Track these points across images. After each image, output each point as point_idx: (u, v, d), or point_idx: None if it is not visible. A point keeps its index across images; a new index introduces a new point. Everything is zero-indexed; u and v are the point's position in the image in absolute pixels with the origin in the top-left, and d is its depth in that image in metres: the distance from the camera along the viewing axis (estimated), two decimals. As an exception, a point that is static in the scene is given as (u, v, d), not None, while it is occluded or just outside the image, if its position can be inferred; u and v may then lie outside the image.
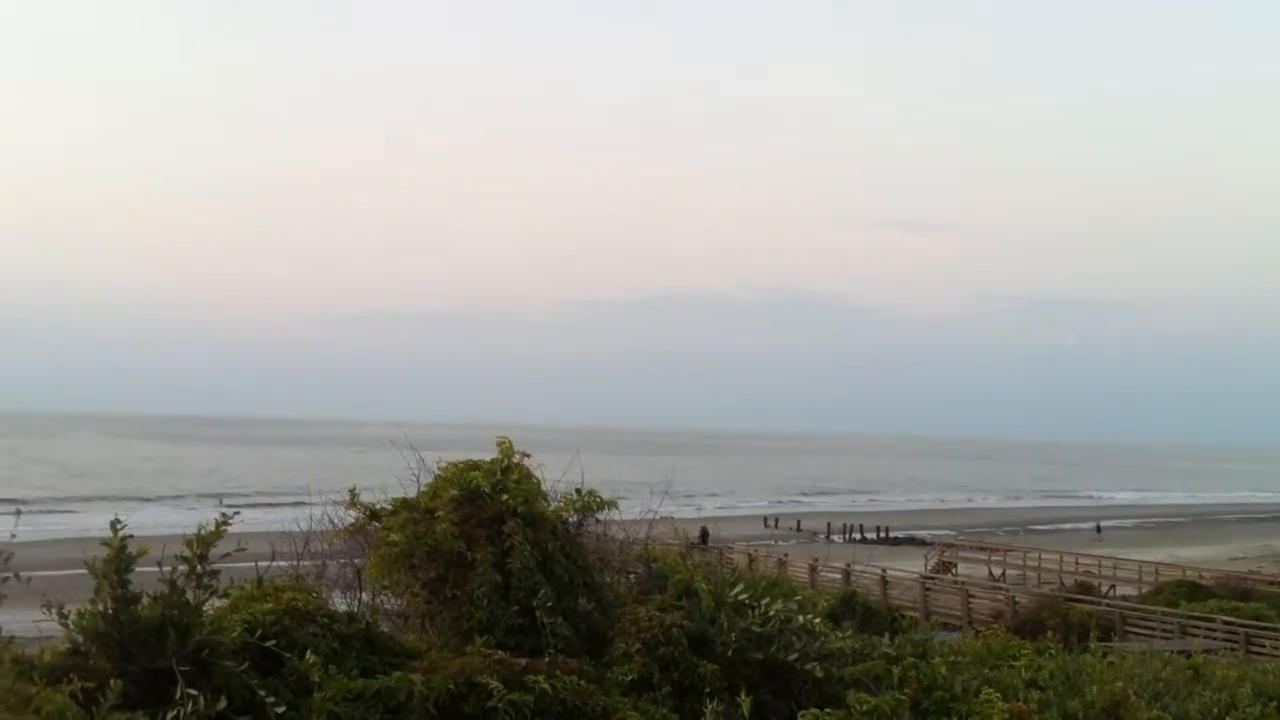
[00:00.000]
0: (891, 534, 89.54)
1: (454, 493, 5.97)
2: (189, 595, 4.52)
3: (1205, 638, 32.83)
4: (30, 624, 4.98)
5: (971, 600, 45.47)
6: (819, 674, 5.32)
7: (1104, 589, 54.31)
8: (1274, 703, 6.38)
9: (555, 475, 6.89)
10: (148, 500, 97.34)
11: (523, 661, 4.91)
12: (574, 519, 6.39)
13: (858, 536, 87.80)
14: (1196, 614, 38.88)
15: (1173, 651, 9.04)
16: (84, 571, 4.54)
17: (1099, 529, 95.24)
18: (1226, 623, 37.13)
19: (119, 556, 4.44)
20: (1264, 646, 33.64)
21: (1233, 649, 32.28)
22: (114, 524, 4.52)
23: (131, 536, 4.54)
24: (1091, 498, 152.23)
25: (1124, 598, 49.62)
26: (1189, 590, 47.31)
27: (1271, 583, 54.21)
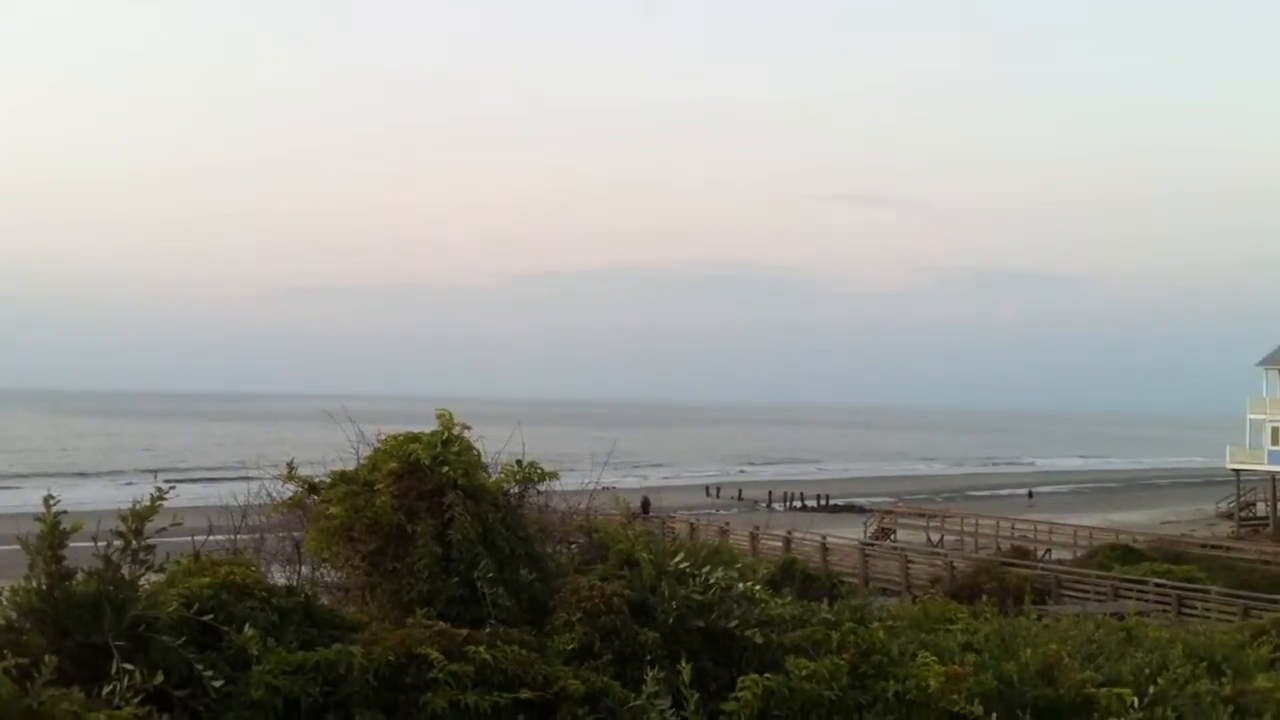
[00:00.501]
0: (832, 502, 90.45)
1: (393, 465, 5.93)
2: (124, 570, 4.47)
3: (1138, 600, 33.55)
4: (-38, 601, 4.92)
5: (910, 566, 46.13)
6: (759, 640, 5.36)
7: (1040, 553, 55.23)
8: (1204, 663, 6.52)
9: (496, 447, 6.88)
10: (83, 476, 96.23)
11: (464, 632, 4.91)
12: (515, 490, 6.37)
13: (799, 505, 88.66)
14: (1130, 577, 39.67)
15: (1106, 614, 9.21)
16: (17, 548, 4.47)
17: (1030, 495, 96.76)
18: (1159, 585, 37.93)
19: (52, 532, 4.38)
20: (1195, 608, 34.42)
21: (1165, 611, 32.99)
22: (47, 500, 4.45)
23: (65, 512, 4.48)
24: (1028, 464, 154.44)
25: (1059, 562, 50.53)
26: (1122, 554, 48.26)
27: (1203, 546, 55.39)
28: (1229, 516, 79.40)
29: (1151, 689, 5.06)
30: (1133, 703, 4.89)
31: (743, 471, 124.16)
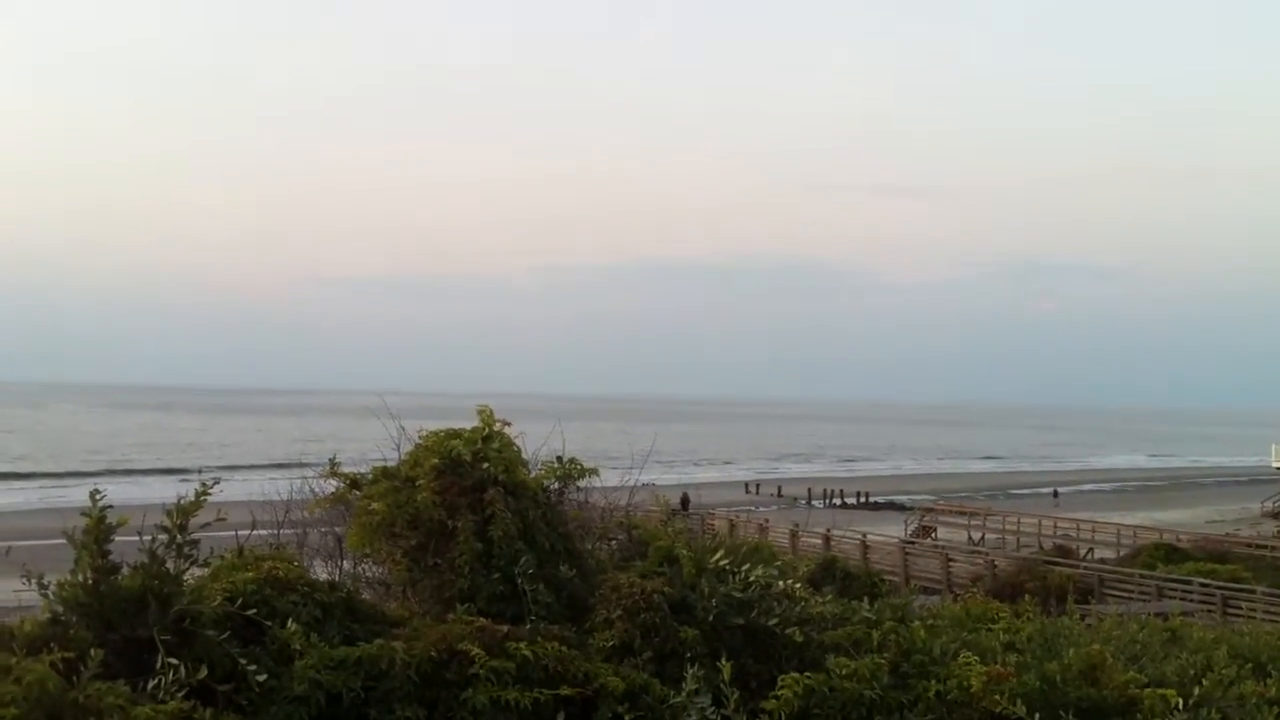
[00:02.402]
0: (872, 499, 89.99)
1: (435, 461, 5.95)
2: (169, 565, 4.50)
3: (1182, 600, 33.17)
4: (10, 594, 4.98)
5: (951, 564, 45.79)
6: (799, 639, 5.34)
7: (1082, 552, 54.73)
8: (1249, 665, 6.44)
9: (536, 444, 6.89)
10: (129, 470, 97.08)
11: (504, 629, 4.92)
12: (555, 487, 6.38)
13: (838, 502, 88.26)
14: (1174, 576, 39.23)
15: (1150, 614, 9.13)
16: (64, 542, 4.52)
17: (1056, 495, 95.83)
18: (1203, 585, 37.48)
19: (98, 527, 4.42)
20: (1240, 609, 34.03)
21: (1209, 611, 32.59)
22: (93, 494, 4.50)
23: (111, 507, 4.52)
24: (1074, 462, 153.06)
25: (1102, 561, 50.04)
26: (1166, 553, 47.72)
27: (1248, 545, 54.71)
28: (1275, 515, 78.40)
29: (1196, 690, 5.01)
30: (1177, 704, 4.84)
31: (779, 468, 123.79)
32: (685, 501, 50.51)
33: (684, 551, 5.89)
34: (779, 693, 4.80)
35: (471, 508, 5.71)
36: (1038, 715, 4.69)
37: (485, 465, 5.86)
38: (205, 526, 4.72)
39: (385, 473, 6.16)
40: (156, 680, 4.07)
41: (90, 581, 4.34)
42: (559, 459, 6.48)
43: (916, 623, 5.68)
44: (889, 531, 58.15)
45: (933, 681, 5.00)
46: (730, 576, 5.65)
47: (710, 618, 5.36)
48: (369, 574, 6.67)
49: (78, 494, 4.66)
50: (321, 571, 6.95)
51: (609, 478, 7.73)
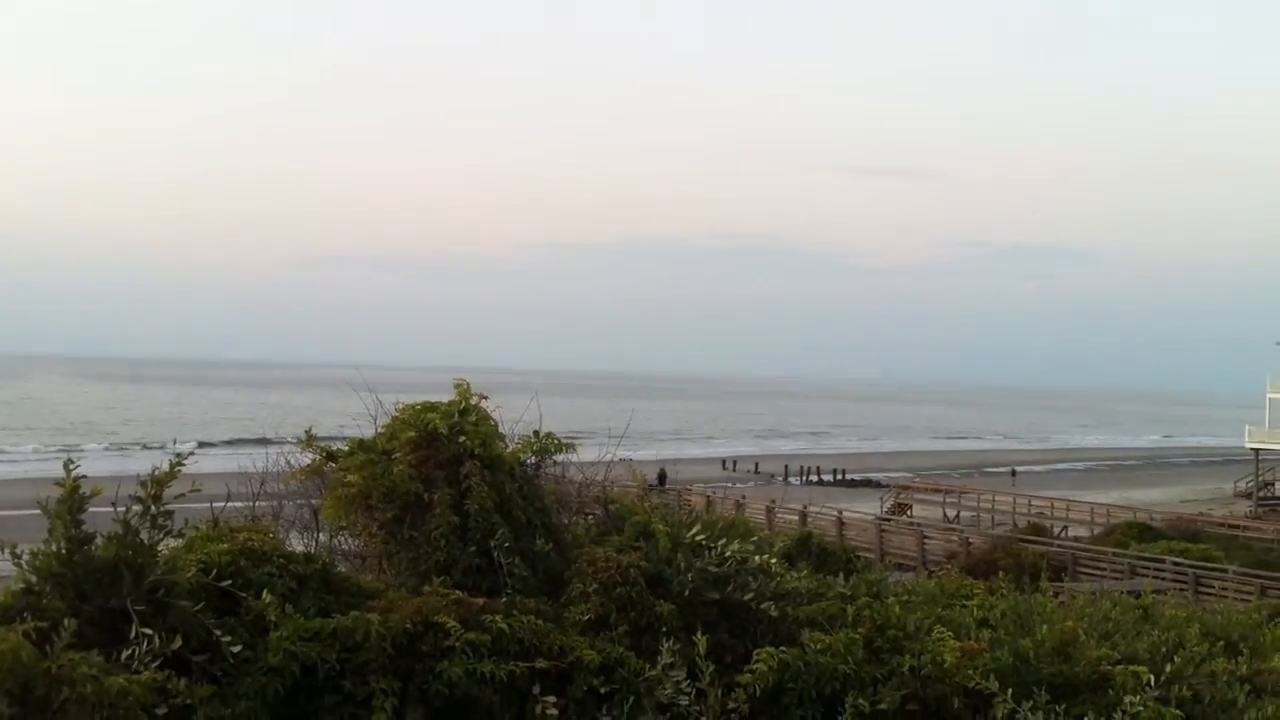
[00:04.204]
0: (848, 476, 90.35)
1: (411, 434, 5.93)
2: (143, 535, 4.48)
3: (1155, 578, 33.40)
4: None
5: (926, 541, 46.08)
6: (774, 613, 5.35)
7: (1056, 530, 55.10)
8: (1221, 642, 6.48)
9: (513, 418, 6.88)
10: (102, 442, 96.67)
11: (480, 601, 4.91)
12: (532, 461, 6.37)
13: (815, 479, 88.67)
14: (1146, 555, 39.56)
15: (1123, 592, 9.19)
16: (38, 512, 4.49)
17: (1014, 473, 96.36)
18: (1176, 564, 37.81)
19: (72, 497, 4.40)
20: (1212, 588, 34.34)
21: (1181, 590, 32.87)
22: (66, 464, 4.47)
23: (85, 477, 4.49)
24: (1046, 441, 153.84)
25: (1076, 539, 50.35)
26: (1139, 532, 48.11)
27: (1221, 525, 55.17)
28: (1247, 496, 79.06)
29: (1168, 667, 5.05)
30: (1149, 680, 4.87)
31: (757, 445, 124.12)
32: (662, 477, 50.72)
33: (660, 526, 5.89)
34: (754, 667, 4.81)
35: (448, 481, 5.70)
36: (1010, 690, 4.72)
37: (462, 439, 5.85)
38: (180, 498, 4.69)
39: (361, 445, 6.13)
40: (130, 650, 4.06)
41: (64, 551, 4.31)
42: (536, 433, 6.47)
43: (891, 598, 5.70)
44: (865, 508, 58.41)
45: (907, 656, 5.02)
46: (706, 551, 5.66)
47: (686, 592, 5.36)
48: (345, 546, 6.66)
49: (54, 465, 4.62)
50: (297, 543, 6.94)
51: (586, 452, 7.74)
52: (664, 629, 5.06)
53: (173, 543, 4.73)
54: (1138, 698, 4.68)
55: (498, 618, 4.74)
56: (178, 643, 4.11)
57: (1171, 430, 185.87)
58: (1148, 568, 37.21)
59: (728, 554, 5.61)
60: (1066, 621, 5.66)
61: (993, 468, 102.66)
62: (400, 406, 6.26)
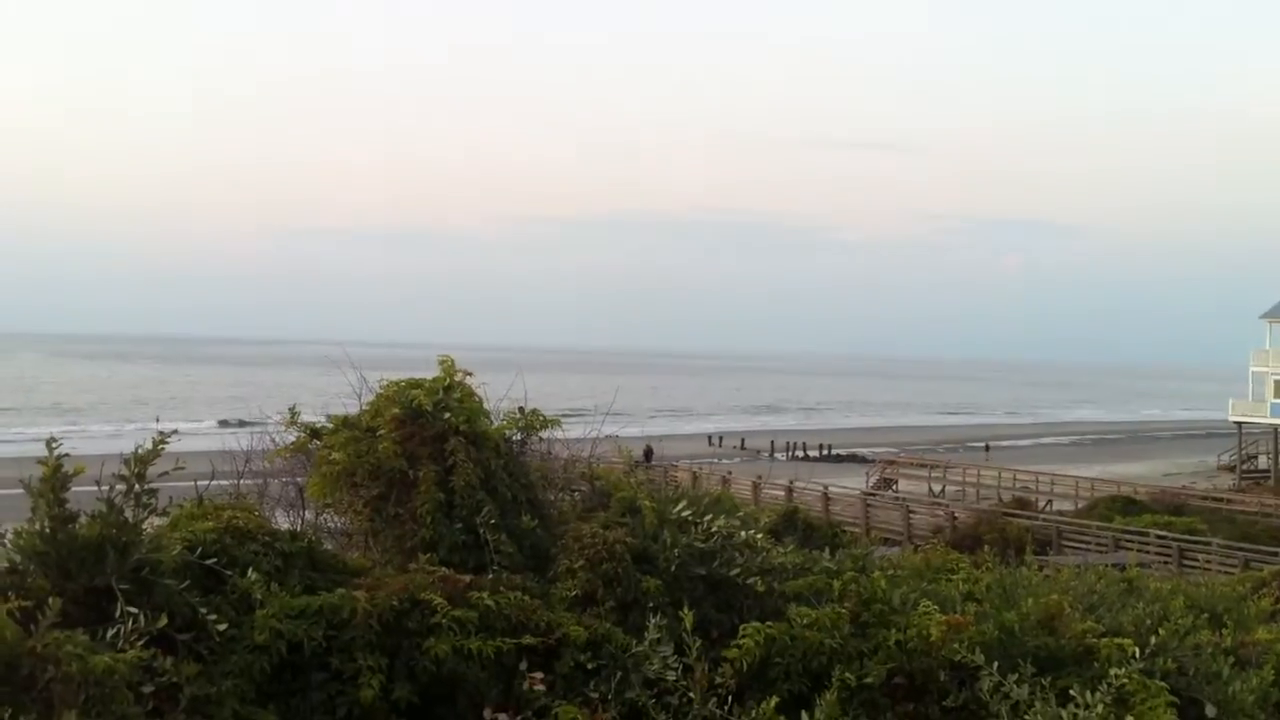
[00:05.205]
0: (834, 452, 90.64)
1: (396, 411, 5.91)
2: (128, 514, 4.45)
3: (1139, 552, 33.60)
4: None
5: (912, 516, 46.28)
6: (760, 588, 5.36)
7: (1041, 504, 55.38)
8: (1205, 615, 6.51)
9: (499, 394, 6.86)
10: (88, 420, 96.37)
11: (466, 579, 4.91)
12: (517, 437, 6.36)
13: (801, 454, 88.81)
14: (1131, 529, 39.80)
15: (1107, 565, 9.21)
16: (21, 491, 4.46)
17: (987, 448, 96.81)
18: (1160, 537, 38.09)
19: (55, 475, 4.37)
20: (1196, 560, 34.60)
21: (1166, 563, 33.13)
22: (49, 442, 4.44)
23: (68, 455, 4.46)
24: (1031, 415, 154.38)
25: (1060, 513, 50.64)
26: (1124, 505, 48.39)
27: (1204, 498, 55.53)
28: (1231, 469, 79.56)
29: (1152, 640, 5.06)
30: (1134, 653, 4.89)
31: (743, 421, 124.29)
32: (649, 453, 50.60)
33: (646, 502, 5.89)
34: (740, 641, 4.82)
35: (433, 458, 5.69)
36: (996, 664, 4.73)
37: (447, 415, 5.83)
38: (164, 476, 4.67)
39: (346, 422, 6.11)
40: (115, 629, 4.04)
41: (48, 530, 4.29)
42: (521, 410, 6.46)
43: (877, 573, 5.71)
44: (850, 483, 58.65)
45: (893, 630, 5.03)
46: (693, 527, 5.66)
47: (672, 568, 5.37)
48: (331, 524, 6.64)
49: (37, 444, 4.58)
50: (283, 521, 6.92)
51: (572, 429, 7.72)
52: (650, 604, 5.06)
53: (157, 521, 4.71)
54: (1123, 670, 4.69)
55: (484, 594, 4.74)
56: (163, 621, 4.09)
57: (1154, 404, 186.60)
58: (1132, 541, 37.44)
59: (714, 529, 5.62)
60: (1051, 595, 5.68)
61: (975, 442, 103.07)
62: (384, 383, 6.24)
